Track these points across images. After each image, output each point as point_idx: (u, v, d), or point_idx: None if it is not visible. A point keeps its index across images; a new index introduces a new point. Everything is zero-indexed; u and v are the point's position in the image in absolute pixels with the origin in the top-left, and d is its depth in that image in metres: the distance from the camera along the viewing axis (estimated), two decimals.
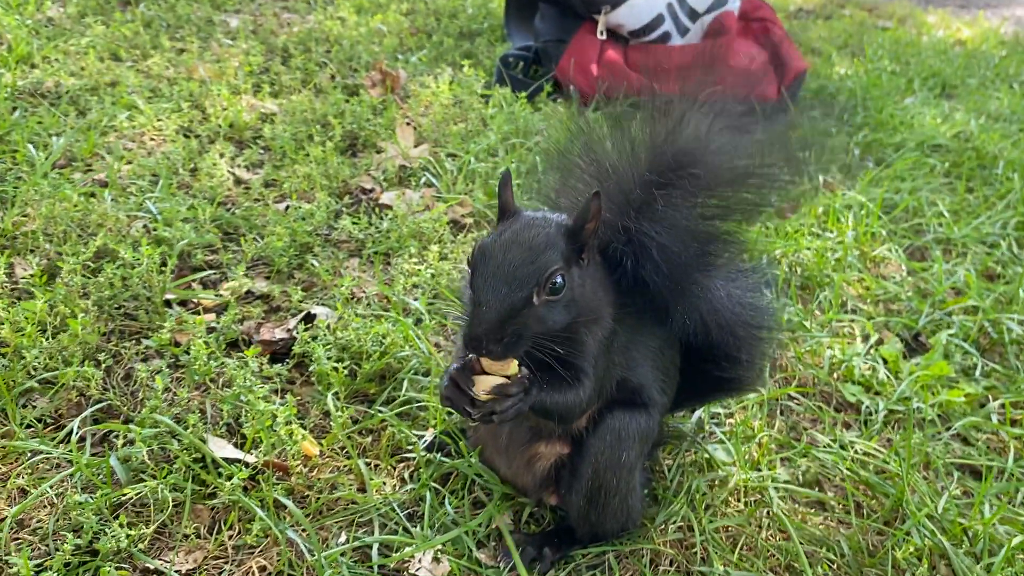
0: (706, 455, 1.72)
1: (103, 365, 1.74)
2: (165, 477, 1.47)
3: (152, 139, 2.80)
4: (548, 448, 1.47)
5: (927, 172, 3.22)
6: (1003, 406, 2.00)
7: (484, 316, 1.15)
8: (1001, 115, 3.95)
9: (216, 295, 2.04)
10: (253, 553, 1.42)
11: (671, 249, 1.32)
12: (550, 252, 1.19)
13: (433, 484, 1.57)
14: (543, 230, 1.22)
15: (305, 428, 1.68)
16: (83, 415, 1.63)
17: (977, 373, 2.12)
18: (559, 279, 1.19)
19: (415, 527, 1.49)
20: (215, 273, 2.16)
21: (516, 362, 1.22)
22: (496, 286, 1.17)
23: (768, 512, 1.62)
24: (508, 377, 1.22)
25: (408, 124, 3.06)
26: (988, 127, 3.70)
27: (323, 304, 2.06)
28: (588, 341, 1.28)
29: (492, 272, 1.18)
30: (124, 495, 1.45)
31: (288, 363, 1.85)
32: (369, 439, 1.68)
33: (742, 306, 1.49)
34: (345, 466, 1.62)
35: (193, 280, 2.10)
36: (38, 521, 1.41)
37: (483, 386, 1.21)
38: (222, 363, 1.77)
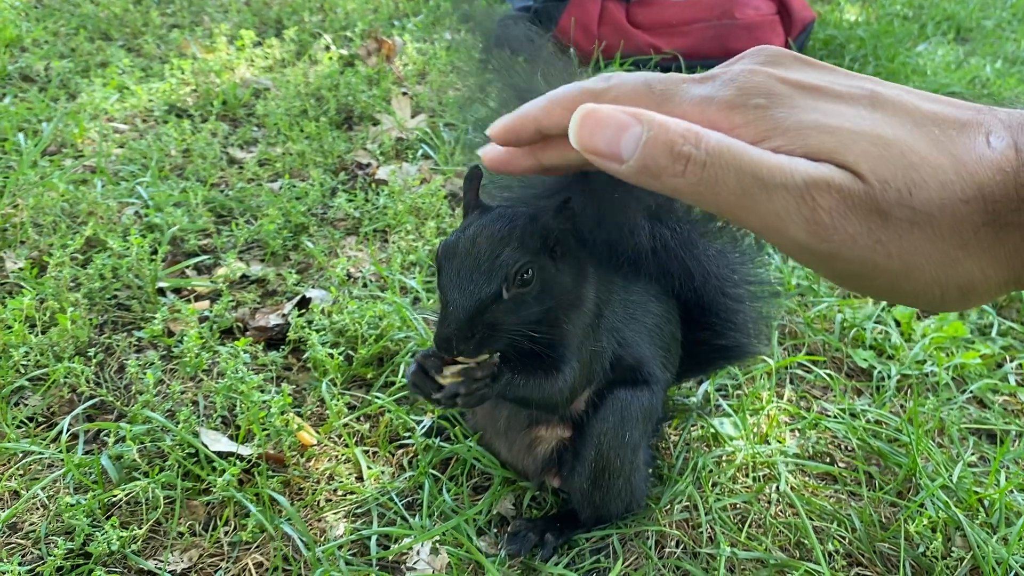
0: (712, 430, 1.67)
1: (94, 360, 1.71)
2: (158, 474, 1.44)
3: (144, 120, 2.75)
4: (548, 431, 1.43)
5: None
6: (1020, 366, 1.94)
7: (452, 316, 1.10)
8: (1018, 58, 3.82)
9: (211, 281, 2.01)
10: (249, 549, 1.39)
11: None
12: (518, 245, 1.13)
13: (432, 471, 1.54)
14: (510, 223, 1.15)
15: (302, 416, 1.65)
16: (75, 412, 1.60)
17: (993, 332, 2.06)
18: (529, 272, 1.13)
19: (413, 516, 1.46)
20: (209, 258, 2.12)
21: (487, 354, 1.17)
22: (462, 284, 1.11)
23: (777, 488, 1.57)
24: (479, 363, 1.17)
25: (404, 94, 3.00)
26: (1004, 72, 3.58)
27: (319, 287, 2.02)
28: (568, 328, 1.23)
29: (457, 270, 1.12)
30: (115, 496, 1.43)
31: (284, 350, 1.81)
32: (367, 426, 1.64)
33: (727, 258, 1.43)
34: (343, 455, 1.59)
35: (187, 266, 2.06)
36: (30, 524, 1.39)
37: (451, 373, 1.17)
38: (214, 353, 1.74)
